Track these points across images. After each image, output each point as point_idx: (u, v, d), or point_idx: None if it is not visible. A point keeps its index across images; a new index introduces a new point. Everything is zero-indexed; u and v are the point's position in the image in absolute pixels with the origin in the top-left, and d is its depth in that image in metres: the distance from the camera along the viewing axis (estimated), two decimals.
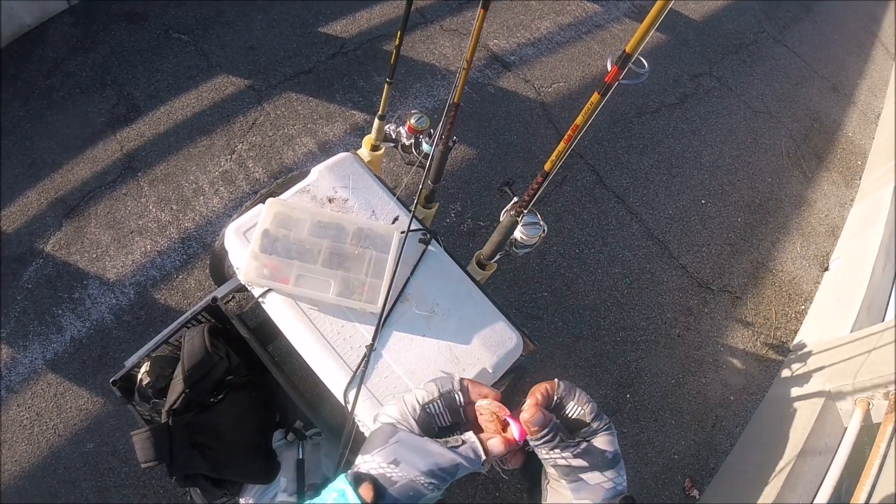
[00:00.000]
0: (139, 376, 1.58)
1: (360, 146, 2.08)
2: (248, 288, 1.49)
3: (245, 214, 1.62)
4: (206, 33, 3.52)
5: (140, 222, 2.81)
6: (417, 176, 1.91)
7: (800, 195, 4.22)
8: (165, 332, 1.64)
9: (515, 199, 1.80)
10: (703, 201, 3.77)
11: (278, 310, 1.45)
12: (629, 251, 3.33)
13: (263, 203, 1.53)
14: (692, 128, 4.11)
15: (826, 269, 3.94)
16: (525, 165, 3.37)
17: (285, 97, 3.26)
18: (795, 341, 3.39)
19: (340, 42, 3.59)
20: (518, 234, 1.77)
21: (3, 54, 3.33)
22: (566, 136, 1.26)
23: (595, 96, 1.16)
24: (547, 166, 1.37)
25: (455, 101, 1.67)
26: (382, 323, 1.43)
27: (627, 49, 1.03)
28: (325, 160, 1.73)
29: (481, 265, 1.87)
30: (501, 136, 3.45)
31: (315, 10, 3.77)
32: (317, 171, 1.69)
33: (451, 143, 1.97)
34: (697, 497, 2.81)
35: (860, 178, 4.65)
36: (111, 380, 1.56)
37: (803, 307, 3.61)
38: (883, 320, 3.09)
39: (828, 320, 3.31)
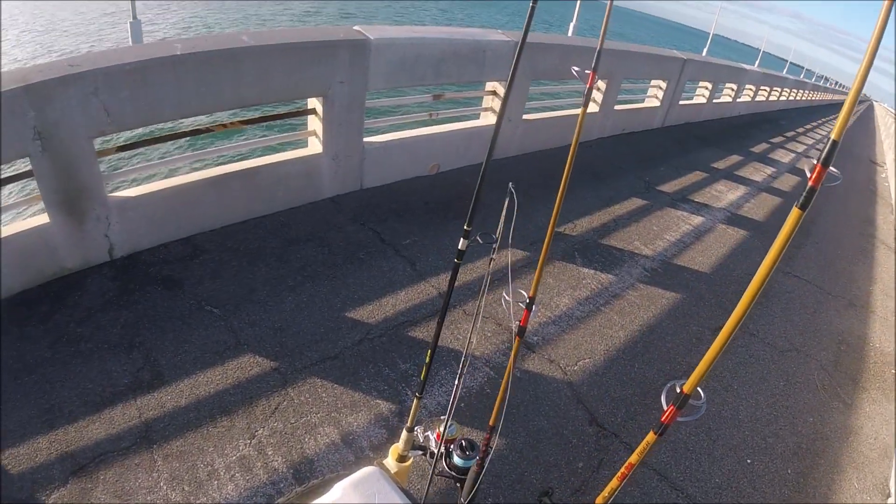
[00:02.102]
0: None
1: (383, 442, 1.98)
2: None
3: None
4: (238, 310, 3.57)
5: (148, 498, 2.53)
6: (443, 485, 1.81)
7: (844, 425, 3.99)
8: None
9: None
10: (748, 461, 3.47)
11: None
12: None
13: None
14: (723, 384, 4.05)
15: (889, 496, 3.59)
16: (559, 454, 3.18)
17: (310, 383, 3.24)
18: None
19: (366, 328, 3.68)
20: None
21: (41, 291, 3.40)
22: (620, 474, 1.18)
23: (651, 436, 1.11)
24: None
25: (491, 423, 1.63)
26: None
27: (686, 389, 1.01)
28: (348, 475, 1.62)
29: None
30: (531, 423, 3.33)
31: (343, 294, 3.94)
32: (340, 489, 1.56)
33: (486, 452, 1.88)
34: None
35: None
36: None
37: None
38: None
39: None
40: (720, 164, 9.15)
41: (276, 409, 3.02)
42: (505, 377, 1.54)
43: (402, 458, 1.97)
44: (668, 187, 7.88)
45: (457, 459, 1.77)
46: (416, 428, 1.98)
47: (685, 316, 4.69)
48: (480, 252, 4.14)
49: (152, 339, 3.28)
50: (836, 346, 4.91)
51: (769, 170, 10.93)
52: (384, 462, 1.97)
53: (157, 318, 3.42)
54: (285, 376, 3.22)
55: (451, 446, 1.85)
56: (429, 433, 1.95)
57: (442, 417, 1.85)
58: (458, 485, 1.84)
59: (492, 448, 1.82)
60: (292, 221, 4.74)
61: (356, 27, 4.81)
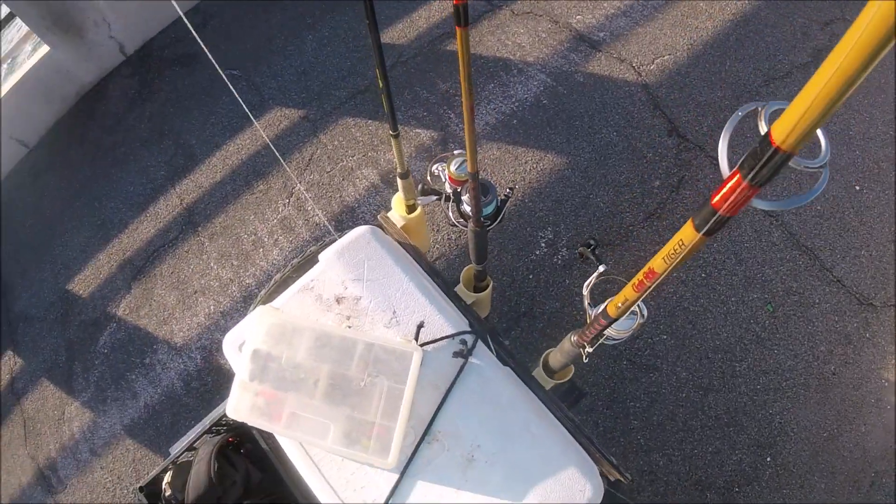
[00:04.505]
0: (163, 485, 1.47)
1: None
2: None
3: (242, 323, 1.31)
4: (257, 65, 3.28)
5: (202, 281, 2.69)
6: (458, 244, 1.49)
7: None
8: (185, 441, 1.53)
9: (602, 267, 1.29)
10: (856, 187, 2.89)
11: (284, 444, 1.16)
12: (770, 268, 2.63)
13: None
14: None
15: None
16: (631, 171, 2.76)
17: (342, 124, 2.94)
18: None
19: (398, 50, 3.17)
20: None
21: (71, 116, 3.40)
22: (636, 281, 0.78)
23: (691, 232, 0.67)
24: (611, 310, 0.89)
25: (472, 170, 1.22)
26: (399, 481, 1.05)
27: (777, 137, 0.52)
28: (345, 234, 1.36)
29: (550, 371, 1.40)
30: (598, 135, 2.86)
31: None
32: (325, 259, 1.32)
33: (509, 193, 1.50)
34: None
35: None
36: (138, 486, 1.46)
37: None
38: None
39: None
40: None
41: (309, 160, 2.81)
42: None
43: (410, 209, 1.66)
44: None
45: (466, 207, 1.41)
46: (435, 165, 1.61)
47: (791, 5, 3.55)
48: None
49: (179, 122, 3.20)
50: None
51: None
52: (389, 215, 1.59)
53: (180, 99, 3.28)
54: (315, 123, 2.93)
55: (461, 189, 1.46)
56: (440, 172, 1.54)
57: (456, 151, 1.44)
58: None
59: (512, 192, 1.43)
60: None
61: None
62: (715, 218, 0.58)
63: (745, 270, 2.62)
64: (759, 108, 0.69)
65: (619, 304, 0.85)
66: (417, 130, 2.87)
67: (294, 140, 2.93)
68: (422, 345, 1.15)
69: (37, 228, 3.10)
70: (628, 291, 0.81)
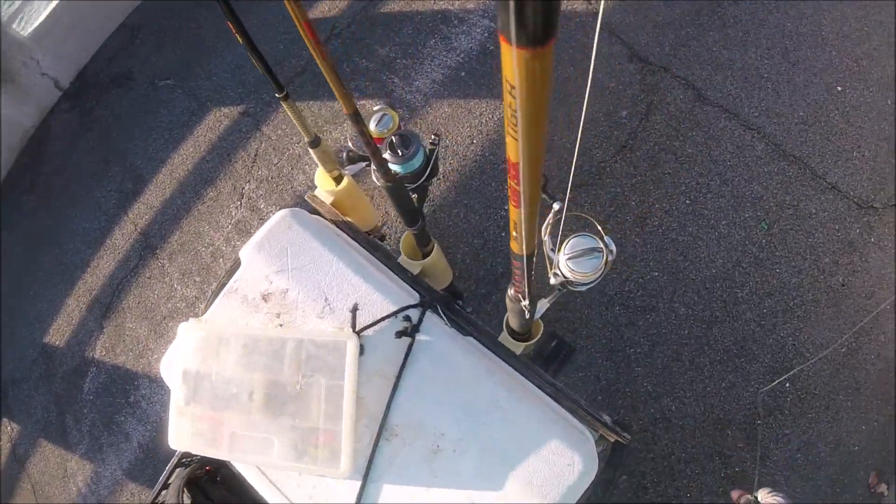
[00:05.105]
0: None
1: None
2: None
3: (173, 343, 1.18)
4: (191, 69, 3.12)
5: (169, 305, 2.62)
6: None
7: None
8: (161, 480, 1.46)
9: (556, 205, 1.13)
10: (838, 88, 2.67)
11: (239, 467, 1.04)
12: (758, 183, 2.46)
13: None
14: None
15: None
16: (596, 106, 2.58)
17: (283, 111, 2.77)
18: None
19: (330, 22, 2.98)
20: (567, 272, 1.10)
21: (20, 165, 3.30)
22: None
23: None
24: (513, 247, 0.72)
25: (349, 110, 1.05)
26: (362, 489, 0.92)
27: None
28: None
29: (515, 333, 1.24)
30: (554, 72, 2.66)
31: None
32: (245, 255, 1.16)
33: (435, 140, 1.33)
34: (886, 493, 2.13)
35: None
36: None
37: None
38: None
39: None
40: None
41: (255, 156, 2.67)
42: None
43: (338, 179, 1.50)
44: None
45: (393, 165, 1.21)
46: (320, 140, 1.44)
47: None
48: None
49: (123, 145, 3.07)
50: None
51: None
52: (315, 194, 1.44)
53: (120, 122, 3.14)
54: (255, 117, 2.79)
55: (382, 145, 1.27)
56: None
57: (376, 107, 1.25)
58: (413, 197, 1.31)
59: (439, 139, 1.25)
60: None
61: None
62: None
63: (731, 190, 2.45)
64: None
65: (515, 234, 0.67)
66: (362, 102, 2.70)
67: (237, 138, 2.79)
68: (358, 331, 0.99)
69: (6, 288, 3.04)
70: (511, 211, 0.63)
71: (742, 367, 2.23)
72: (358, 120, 1.08)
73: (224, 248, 2.60)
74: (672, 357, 2.23)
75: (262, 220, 2.50)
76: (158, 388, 2.56)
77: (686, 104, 2.61)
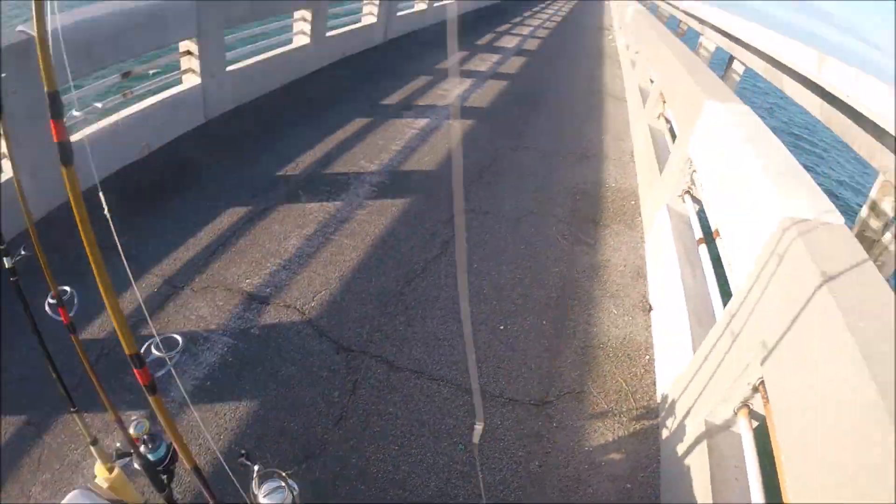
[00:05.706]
0: None
1: None
2: None
3: None
4: None
5: None
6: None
7: (592, 264, 4.49)
8: None
9: (257, 467, 1.48)
10: (501, 327, 3.76)
11: None
12: (450, 418, 3.08)
13: None
14: (467, 266, 4.23)
15: (650, 310, 4.07)
16: (314, 391, 3.11)
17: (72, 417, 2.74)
18: (659, 393, 3.32)
19: (100, 344, 3.17)
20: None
21: None
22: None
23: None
24: None
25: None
26: None
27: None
28: None
29: None
30: (280, 373, 3.20)
31: None
32: None
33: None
34: None
35: (640, 214, 5.04)
36: None
37: (648, 357, 3.63)
38: (715, 321, 2.93)
39: (674, 350, 3.31)
40: (444, 65, 9.44)
41: (39, 461, 2.60)
42: None
43: (111, 470, 1.78)
44: (393, 99, 7.93)
45: (150, 456, 1.59)
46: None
47: (417, 216, 4.84)
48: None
49: None
50: (573, 198, 5.43)
51: (495, 57, 11.65)
52: (96, 482, 1.77)
53: None
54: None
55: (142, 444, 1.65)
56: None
57: (133, 418, 1.61)
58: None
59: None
60: None
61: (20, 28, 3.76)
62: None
63: (430, 430, 2.99)
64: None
65: None
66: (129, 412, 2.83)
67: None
68: None
69: None
70: None
71: None
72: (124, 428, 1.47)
73: None
74: None
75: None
76: None
77: (383, 375, 3.30)
